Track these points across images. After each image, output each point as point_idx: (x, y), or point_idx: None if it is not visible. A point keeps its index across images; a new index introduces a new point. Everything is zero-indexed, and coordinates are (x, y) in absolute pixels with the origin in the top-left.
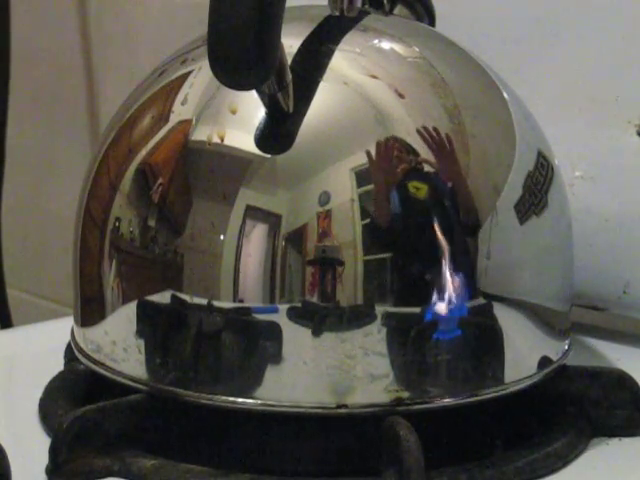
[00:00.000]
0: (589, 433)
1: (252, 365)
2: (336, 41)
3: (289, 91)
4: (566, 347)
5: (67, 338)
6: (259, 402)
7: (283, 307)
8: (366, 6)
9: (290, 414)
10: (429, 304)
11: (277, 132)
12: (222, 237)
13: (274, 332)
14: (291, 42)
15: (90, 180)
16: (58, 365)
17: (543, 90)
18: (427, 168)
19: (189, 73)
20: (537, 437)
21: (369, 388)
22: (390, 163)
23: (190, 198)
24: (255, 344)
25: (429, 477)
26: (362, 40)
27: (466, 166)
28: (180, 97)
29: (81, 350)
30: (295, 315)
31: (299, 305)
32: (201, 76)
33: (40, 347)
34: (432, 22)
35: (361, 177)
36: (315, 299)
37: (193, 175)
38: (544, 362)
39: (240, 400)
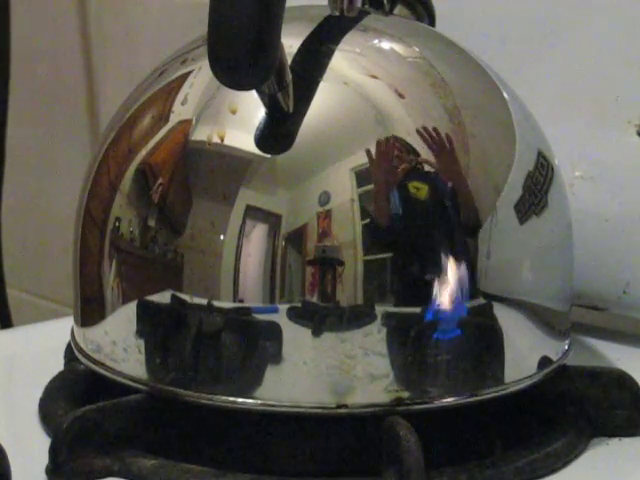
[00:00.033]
0: (589, 433)
1: (252, 365)
2: (336, 41)
3: (289, 91)
4: (566, 347)
5: (67, 338)
6: (259, 402)
7: (283, 307)
8: (366, 6)
9: (290, 414)
10: (429, 304)
11: (277, 132)
12: (222, 237)
13: (274, 332)
14: (291, 42)
15: (90, 180)
16: (58, 365)
17: (543, 90)
18: (427, 168)
19: (189, 73)
20: (537, 437)
21: (369, 388)
22: (390, 163)
23: (190, 198)
24: (255, 344)
25: (429, 477)
26: (362, 40)
27: (466, 166)
28: (180, 97)
29: (81, 350)
30: (295, 315)
31: (299, 305)
32: (201, 76)
33: (40, 347)
34: (432, 22)
35: (361, 177)
36: (315, 299)
37: (193, 175)
38: (544, 362)
39: (240, 400)
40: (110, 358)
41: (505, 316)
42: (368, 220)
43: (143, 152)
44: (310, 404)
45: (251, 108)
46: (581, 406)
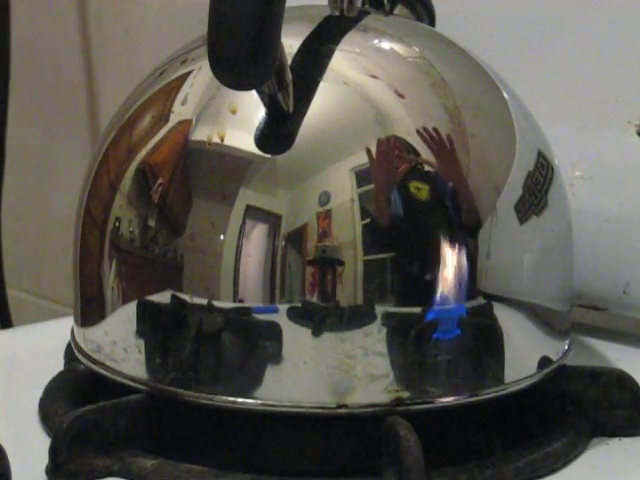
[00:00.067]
0: (589, 433)
1: (252, 365)
2: (336, 41)
3: (289, 91)
4: (566, 347)
5: (67, 338)
6: (259, 402)
7: (283, 307)
8: (366, 6)
9: (290, 414)
10: (429, 304)
11: (277, 132)
12: (222, 237)
13: (274, 332)
14: (291, 42)
15: (90, 180)
16: (58, 365)
17: (543, 90)
18: (427, 168)
19: (189, 73)
20: (537, 437)
21: (369, 388)
22: (390, 163)
23: (190, 198)
24: (255, 344)
25: (429, 477)
26: (362, 40)
27: (466, 166)
28: (180, 97)
29: (81, 350)
30: (295, 315)
31: (299, 305)
32: (201, 76)
33: (40, 347)
34: (432, 22)
35: (361, 177)
36: (315, 299)
37: (193, 175)
38: (544, 362)
39: (240, 400)
40: (110, 358)
41: (505, 316)
42: (368, 220)
43: (143, 152)
44: (310, 404)
45: (251, 108)
46: (581, 406)
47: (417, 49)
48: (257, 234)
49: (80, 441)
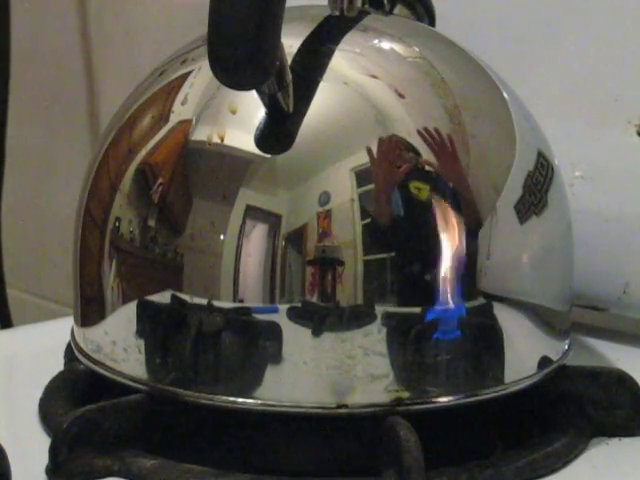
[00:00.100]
0: (589, 433)
1: (252, 365)
2: (336, 41)
3: (289, 91)
4: (566, 347)
5: (67, 338)
6: (259, 402)
7: (283, 307)
8: (366, 6)
9: (290, 414)
10: (429, 304)
11: (277, 132)
12: (222, 237)
13: (274, 332)
14: (291, 42)
15: (90, 180)
16: (58, 365)
17: (543, 90)
18: (427, 168)
19: (189, 73)
20: (537, 437)
21: (369, 388)
22: (390, 163)
23: (190, 198)
24: (255, 344)
25: (429, 477)
26: (362, 40)
27: (466, 166)
28: (180, 97)
29: (81, 350)
30: (295, 315)
31: (299, 305)
32: (201, 76)
33: (40, 347)
34: (432, 22)
35: (361, 177)
36: (315, 299)
37: (193, 175)
38: (544, 362)
39: (240, 400)
40: (110, 358)
41: (505, 316)
42: (368, 220)
43: (143, 152)
44: (310, 404)
45: (251, 108)
46: (581, 406)
47: (417, 49)
48: (257, 234)
49: (80, 441)
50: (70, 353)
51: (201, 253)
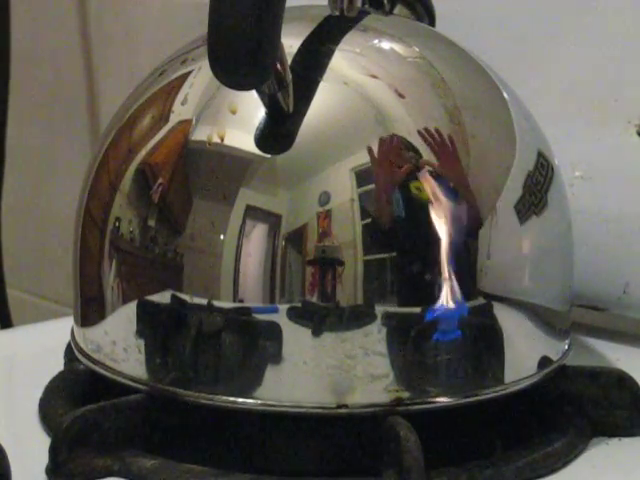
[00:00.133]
0: (589, 433)
1: (252, 365)
2: (336, 41)
3: (289, 91)
4: (566, 347)
5: (67, 338)
6: (259, 402)
7: (283, 307)
8: (366, 6)
9: (290, 414)
10: (429, 304)
11: (277, 132)
12: (222, 237)
13: (274, 332)
14: (291, 42)
15: (90, 180)
16: (58, 365)
17: (543, 90)
18: (427, 168)
19: (189, 73)
20: (537, 437)
21: (369, 388)
22: (390, 163)
23: (190, 198)
24: (255, 344)
25: (429, 477)
26: (362, 40)
27: (466, 166)
28: (180, 97)
29: (81, 350)
30: (295, 315)
31: (299, 305)
32: (201, 76)
33: (40, 347)
34: (432, 22)
35: (361, 177)
36: (315, 299)
37: (193, 175)
38: (544, 362)
39: (240, 400)
40: (110, 358)
41: (505, 316)
42: (368, 220)
43: (143, 152)
44: (310, 404)
45: (251, 108)
46: (581, 406)
47: (417, 49)
48: (257, 234)
49: (80, 441)
50: (70, 353)
51: (201, 253)
